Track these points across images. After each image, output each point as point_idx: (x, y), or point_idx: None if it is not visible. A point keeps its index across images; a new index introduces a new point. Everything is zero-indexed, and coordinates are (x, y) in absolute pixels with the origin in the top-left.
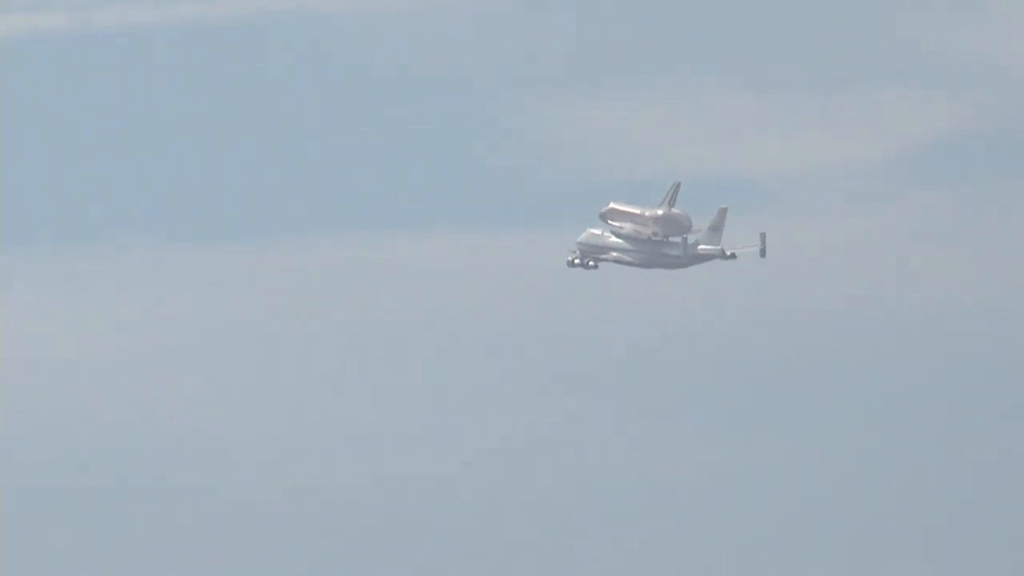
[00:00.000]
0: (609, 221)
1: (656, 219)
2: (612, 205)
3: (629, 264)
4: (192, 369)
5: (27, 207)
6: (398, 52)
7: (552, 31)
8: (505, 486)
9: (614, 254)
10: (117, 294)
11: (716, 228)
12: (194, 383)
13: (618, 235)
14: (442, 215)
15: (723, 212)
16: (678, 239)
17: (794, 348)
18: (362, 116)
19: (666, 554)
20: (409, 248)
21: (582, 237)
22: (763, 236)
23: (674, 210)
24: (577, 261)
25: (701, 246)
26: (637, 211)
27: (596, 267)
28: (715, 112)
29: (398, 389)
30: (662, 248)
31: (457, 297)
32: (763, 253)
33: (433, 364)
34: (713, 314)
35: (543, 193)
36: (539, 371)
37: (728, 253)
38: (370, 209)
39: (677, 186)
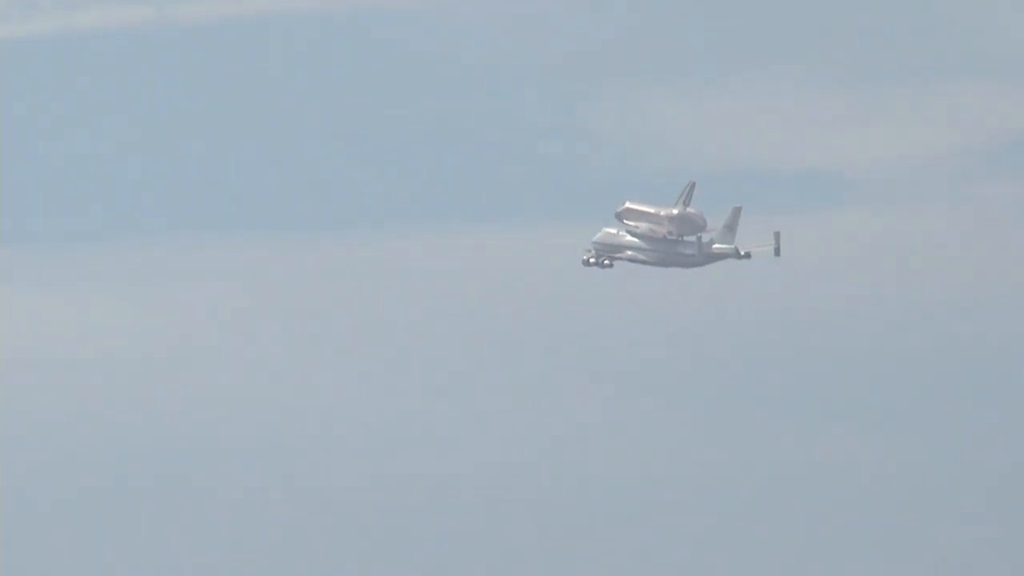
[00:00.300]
0: (625, 220)
1: (671, 218)
2: (628, 204)
3: (644, 263)
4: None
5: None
6: (477, 45)
7: (635, 23)
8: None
9: (629, 253)
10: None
11: (731, 227)
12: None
13: (634, 234)
14: (519, 208)
15: (737, 211)
16: (693, 238)
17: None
18: (441, 110)
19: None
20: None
21: (598, 236)
22: (777, 235)
23: (689, 209)
24: (592, 260)
25: (716, 245)
26: (652, 210)
27: (611, 266)
28: (796, 104)
29: (447, 384)
30: (677, 247)
31: (532, 289)
32: (777, 252)
33: (492, 358)
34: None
35: (623, 186)
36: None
37: (743, 252)
38: (445, 203)
39: (692, 185)
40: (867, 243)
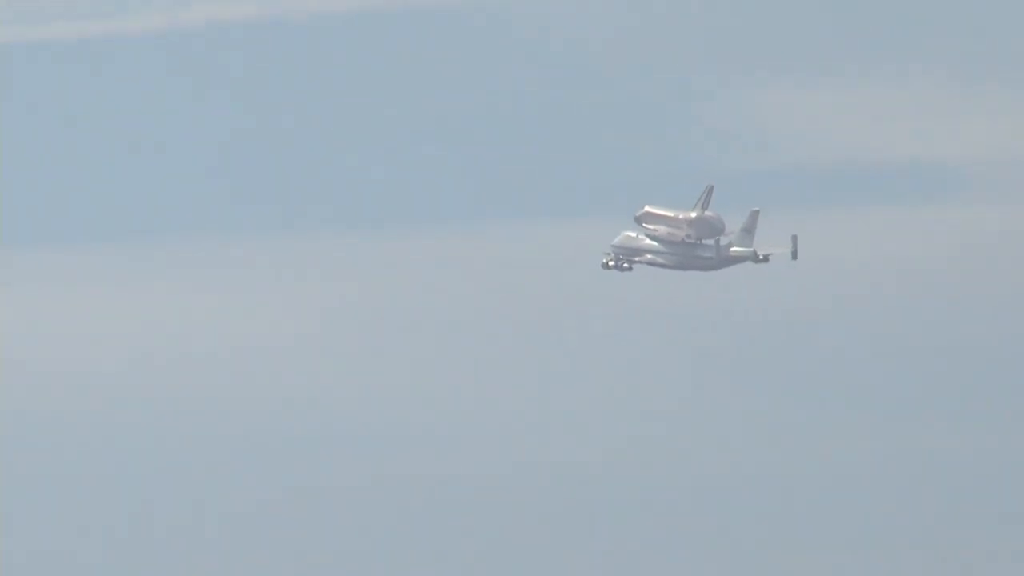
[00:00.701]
0: (644, 224)
1: (690, 222)
2: (647, 208)
3: (663, 266)
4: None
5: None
6: (591, 37)
7: (746, 15)
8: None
9: (648, 256)
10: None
11: (748, 230)
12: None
13: (652, 237)
14: (629, 202)
15: (755, 214)
16: (711, 241)
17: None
18: (553, 101)
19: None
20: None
21: (617, 240)
22: (795, 238)
23: (707, 213)
24: (612, 263)
25: (733, 248)
26: (671, 214)
27: (630, 269)
28: (906, 97)
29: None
30: (695, 250)
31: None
32: (795, 255)
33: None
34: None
35: (732, 179)
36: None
37: (761, 256)
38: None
39: (710, 189)
40: (977, 237)
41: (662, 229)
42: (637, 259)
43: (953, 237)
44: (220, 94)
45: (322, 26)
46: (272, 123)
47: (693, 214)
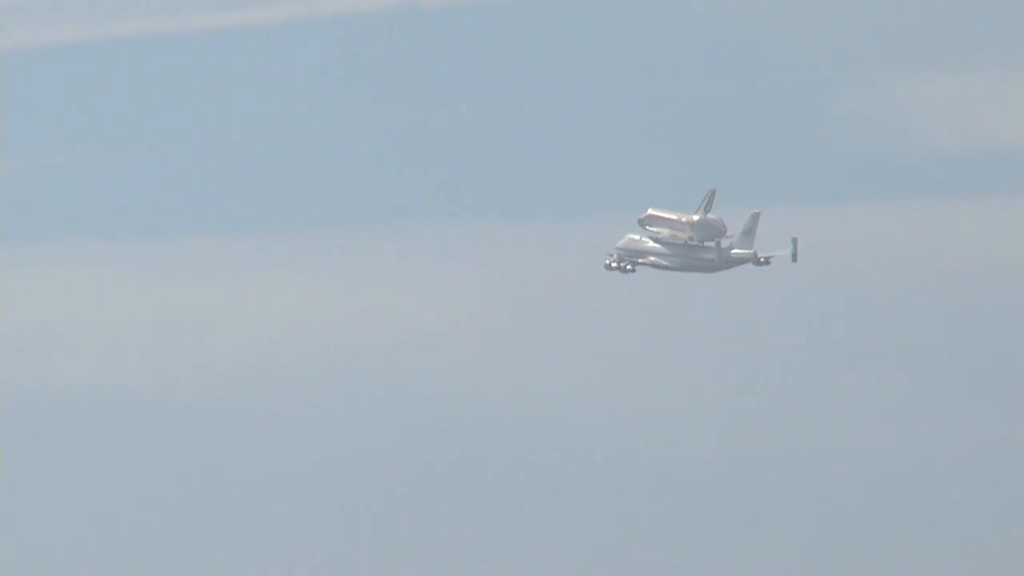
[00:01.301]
0: (647, 227)
1: (692, 224)
2: (650, 211)
3: (666, 268)
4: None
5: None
6: (733, 29)
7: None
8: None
9: (652, 258)
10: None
11: (749, 232)
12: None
13: (656, 240)
14: (769, 191)
15: (755, 217)
16: (712, 243)
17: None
18: (693, 92)
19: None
20: None
21: (621, 242)
22: (795, 240)
23: (709, 215)
24: (614, 265)
25: (734, 250)
26: (674, 217)
27: (633, 271)
28: None
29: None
30: (697, 252)
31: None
32: (794, 258)
33: None
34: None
35: (873, 165)
36: None
37: (762, 258)
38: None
39: (712, 193)
40: None
41: (665, 231)
42: (640, 261)
43: None
44: (364, 86)
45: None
46: (422, 116)
47: (696, 217)
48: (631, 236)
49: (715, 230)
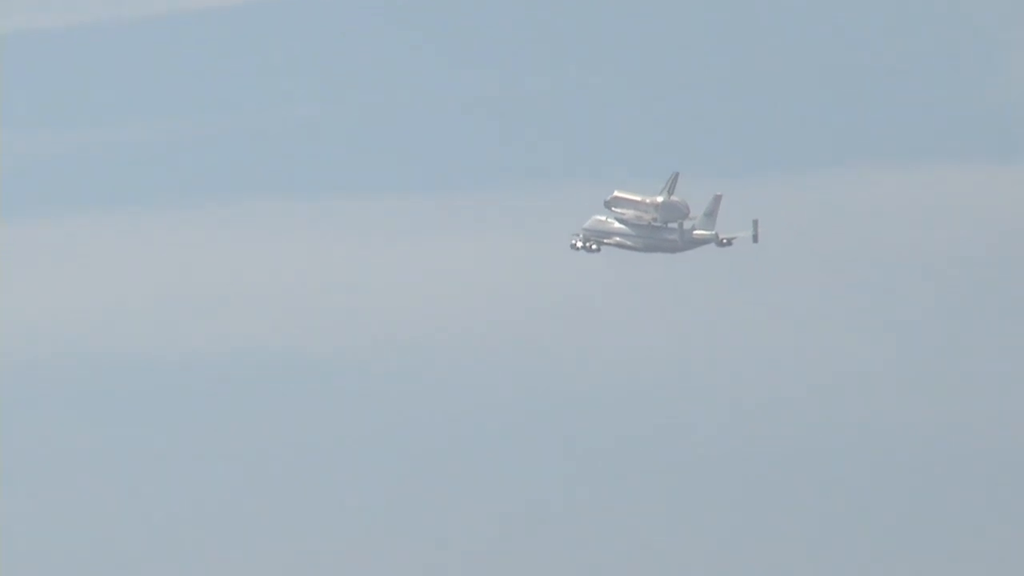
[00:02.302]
0: (613, 208)
1: (656, 206)
2: (616, 193)
3: (631, 248)
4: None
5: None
6: None
7: None
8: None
9: (616, 239)
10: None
11: (710, 214)
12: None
13: (621, 221)
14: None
15: (717, 199)
16: (675, 225)
17: None
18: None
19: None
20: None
21: (588, 223)
22: (755, 223)
23: (673, 197)
24: (580, 245)
25: (696, 231)
26: (639, 198)
27: (598, 250)
28: None
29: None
30: (661, 233)
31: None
32: (755, 239)
33: None
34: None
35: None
36: None
37: (723, 239)
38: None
39: (676, 176)
40: None
41: (630, 213)
42: (606, 241)
43: None
44: (465, 52)
45: None
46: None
47: (660, 199)
48: (597, 217)
49: (679, 212)
